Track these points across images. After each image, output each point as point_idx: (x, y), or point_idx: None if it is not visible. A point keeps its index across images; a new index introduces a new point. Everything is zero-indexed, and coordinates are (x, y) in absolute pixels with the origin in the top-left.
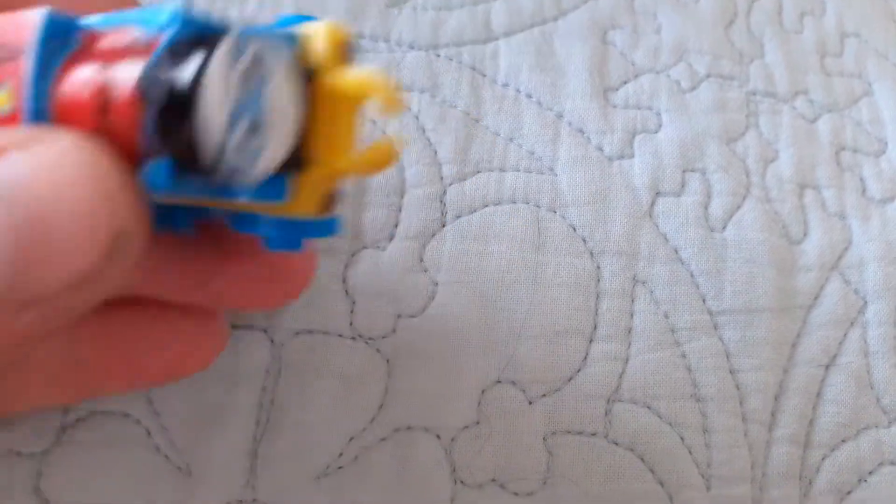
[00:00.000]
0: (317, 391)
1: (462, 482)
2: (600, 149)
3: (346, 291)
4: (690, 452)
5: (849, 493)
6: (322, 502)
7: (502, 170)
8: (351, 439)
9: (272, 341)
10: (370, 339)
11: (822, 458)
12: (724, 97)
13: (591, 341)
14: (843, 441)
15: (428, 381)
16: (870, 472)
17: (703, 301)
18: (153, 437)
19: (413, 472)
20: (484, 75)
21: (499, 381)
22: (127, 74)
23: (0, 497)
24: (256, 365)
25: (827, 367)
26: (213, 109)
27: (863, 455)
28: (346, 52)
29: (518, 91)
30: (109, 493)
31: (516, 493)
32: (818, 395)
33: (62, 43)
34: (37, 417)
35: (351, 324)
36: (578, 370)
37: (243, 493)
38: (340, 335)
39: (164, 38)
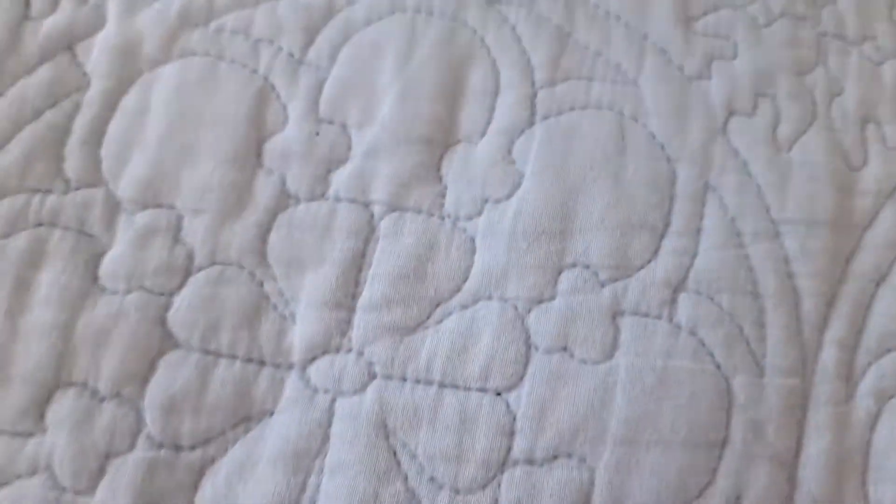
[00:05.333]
0: (404, 258)
1: (535, 347)
2: (681, 69)
3: (440, 178)
4: (748, 343)
5: (891, 397)
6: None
7: (590, 79)
8: (437, 305)
9: (372, 214)
10: (458, 219)
11: (868, 364)
12: (797, 35)
13: (662, 237)
14: (888, 350)
15: (509, 257)
16: None
17: (768, 210)
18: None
19: (487, 340)
20: None
21: (574, 265)
22: None
23: None
24: (351, 228)
25: (878, 283)
26: None
27: None
28: None
29: (608, 12)
30: None
31: (584, 361)
32: (868, 307)
33: None
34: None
35: (442, 205)
36: (649, 261)
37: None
38: (431, 214)
39: None
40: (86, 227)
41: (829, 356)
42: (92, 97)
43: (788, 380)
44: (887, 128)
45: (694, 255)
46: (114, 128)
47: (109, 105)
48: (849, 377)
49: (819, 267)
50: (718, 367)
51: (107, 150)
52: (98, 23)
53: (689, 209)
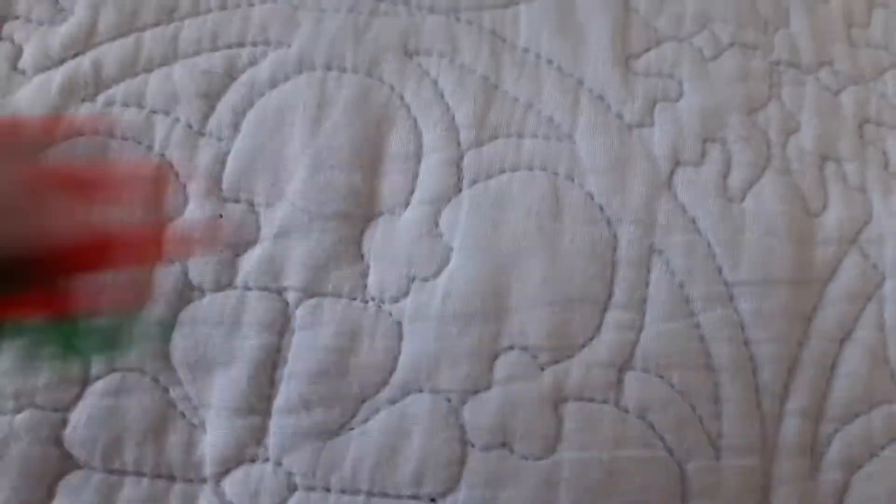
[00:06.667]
0: (324, 352)
1: (472, 444)
2: (620, 116)
3: (361, 256)
4: (701, 422)
5: (860, 467)
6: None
7: (520, 136)
8: (363, 402)
9: (287, 302)
10: (382, 301)
11: (834, 432)
12: (748, 66)
13: (605, 310)
14: (856, 415)
15: (440, 344)
16: (882, 447)
17: (720, 272)
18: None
19: (418, 439)
20: (504, 40)
21: (511, 347)
22: None
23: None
24: (262, 321)
25: (842, 341)
26: None
27: (875, 429)
28: None
29: (538, 56)
30: None
31: (525, 457)
32: (832, 368)
33: None
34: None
35: (364, 287)
36: (591, 338)
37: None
38: (353, 298)
39: None
40: None
41: (790, 428)
42: None
43: (747, 459)
44: (848, 165)
45: (640, 329)
46: None
47: None
48: (813, 449)
49: (777, 330)
50: (671, 452)
51: None
52: None
53: (632, 277)
